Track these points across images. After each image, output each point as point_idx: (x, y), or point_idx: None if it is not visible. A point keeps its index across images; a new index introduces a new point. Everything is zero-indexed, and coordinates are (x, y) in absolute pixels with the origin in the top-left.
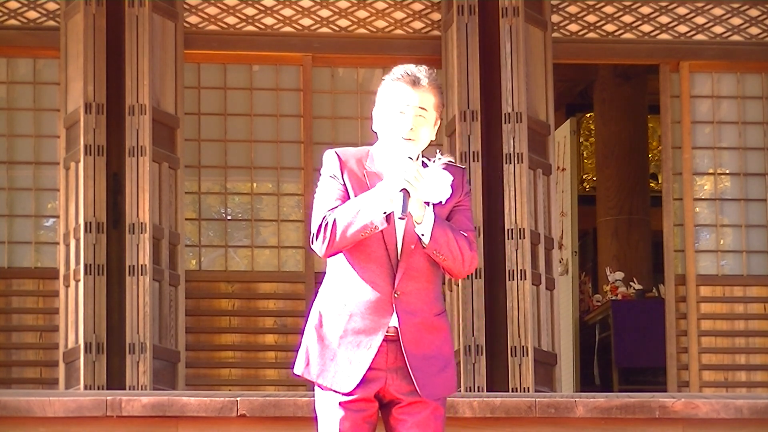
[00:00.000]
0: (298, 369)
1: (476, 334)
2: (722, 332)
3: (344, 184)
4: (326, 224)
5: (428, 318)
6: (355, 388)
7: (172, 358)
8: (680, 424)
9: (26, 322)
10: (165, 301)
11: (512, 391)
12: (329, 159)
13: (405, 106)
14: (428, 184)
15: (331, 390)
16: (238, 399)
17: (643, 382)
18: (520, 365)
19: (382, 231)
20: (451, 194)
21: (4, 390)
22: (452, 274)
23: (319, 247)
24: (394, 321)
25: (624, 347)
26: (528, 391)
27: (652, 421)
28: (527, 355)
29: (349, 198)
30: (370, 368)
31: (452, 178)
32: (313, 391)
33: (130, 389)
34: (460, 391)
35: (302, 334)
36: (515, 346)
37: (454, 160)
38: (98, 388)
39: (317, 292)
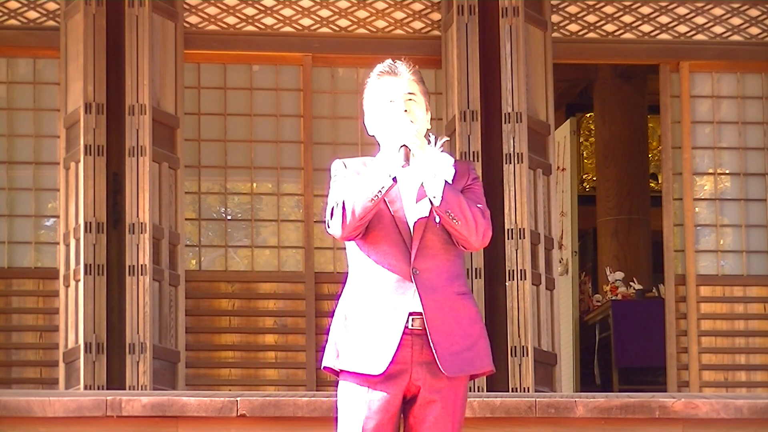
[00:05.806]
0: (329, 361)
1: None
2: (722, 332)
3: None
4: (337, 205)
5: (450, 296)
6: (385, 382)
7: (172, 358)
8: (680, 424)
9: (26, 322)
10: (165, 301)
11: (512, 391)
12: (335, 165)
13: (394, 95)
14: (429, 151)
15: (363, 375)
16: (238, 399)
17: (643, 382)
18: (520, 365)
19: (392, 212)
20: (457, 175)
21: (4, 390)
22: (467, 244)
23: (335, 227)
24: (416, 301)
25: (624, 347)
26: (528, 391)
27: (652, 421)
28: (527, 355)
29: None
30: (395, 362)
31: (453, 159)
32: (335, 389)
33: (130, 389)
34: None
35: (327, 331)
36: (515, 346)
37: (449, 139)
38: (98, 388)
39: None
